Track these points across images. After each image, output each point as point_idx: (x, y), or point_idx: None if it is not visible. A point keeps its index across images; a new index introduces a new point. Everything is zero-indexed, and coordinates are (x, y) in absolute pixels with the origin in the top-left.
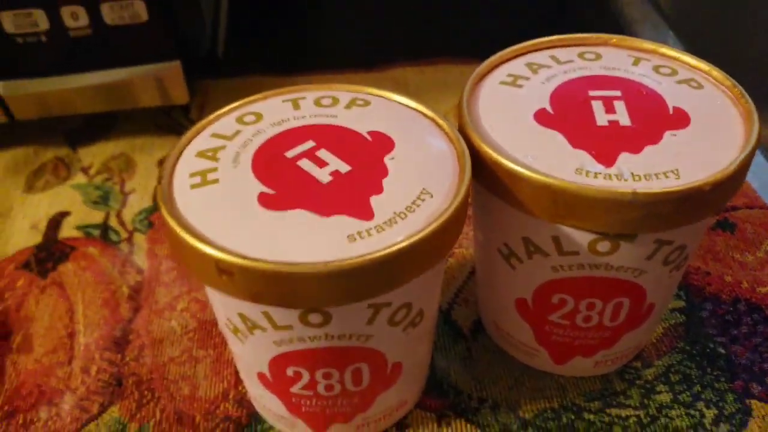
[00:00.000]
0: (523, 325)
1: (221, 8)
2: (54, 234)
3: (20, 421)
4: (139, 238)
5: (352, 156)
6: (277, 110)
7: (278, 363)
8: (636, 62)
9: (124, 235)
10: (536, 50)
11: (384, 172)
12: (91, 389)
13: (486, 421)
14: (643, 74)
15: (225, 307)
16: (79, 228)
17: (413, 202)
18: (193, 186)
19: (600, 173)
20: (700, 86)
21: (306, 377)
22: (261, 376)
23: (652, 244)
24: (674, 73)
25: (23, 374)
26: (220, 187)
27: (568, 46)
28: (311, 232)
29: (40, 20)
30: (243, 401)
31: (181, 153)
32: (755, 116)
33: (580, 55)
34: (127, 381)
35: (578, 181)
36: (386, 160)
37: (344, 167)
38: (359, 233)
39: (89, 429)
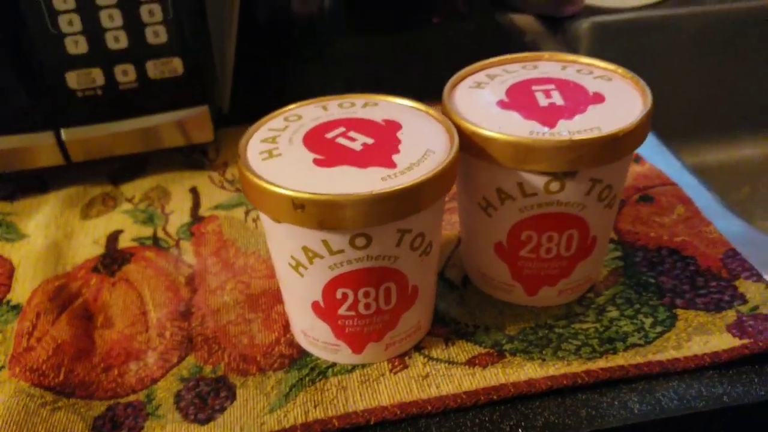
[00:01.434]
0: (501, 265)
1: (227, 70)
2: (114, 245)
3: (116, 373)
4: (185, 244)
5: (373, 134)
6: (312, 112)
7: (330, 287)
8: (564, 68)
9: (171, 243)
10: (491, 66)
11: (398, 141)
12: (168, 347)
13: (481, 339)
14: (569, 75)
15: (292, 243)
16: (134, 240)
17: (422, 156)
18: (263, 159)
19: (546, 132)
20: (610, 79)
21: (351, 298)
22: (315, 305)
23: (588, 182)
24: (591, 72)
25: (110, 342)
26: (283, 158)
27: (514, 62)
28: (355, 178)
29: (98, 78)
30: (293, 343)
31: (248, 141)
32: (649, 93)
33: (523, 67)
34: (197, 339)
35: (532, 137)
36: (398, 134)
37: (369, 140)
38: (389, 176)
39: (173, 372)
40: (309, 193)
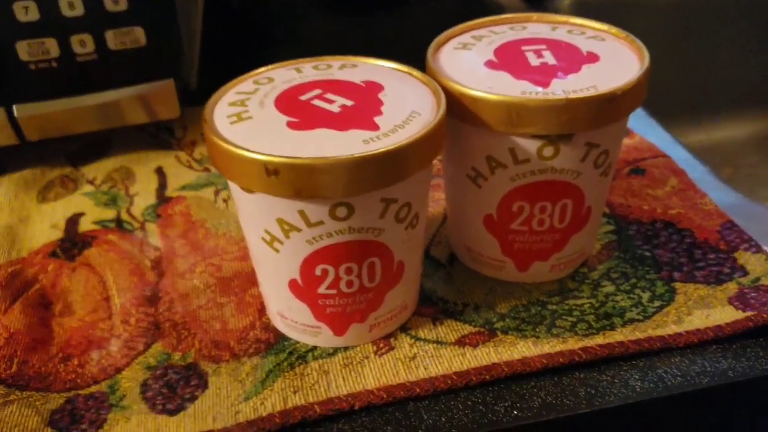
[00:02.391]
0: (490, 240)
1: (194, 43)
2: (74, 229)
3: (76, 363)
4: (151, 226)
5: (353, 95)
6: (285, 74)
7: (309, 263)
8: (554, 29)
9: (136, 225)
10: (477, 28)
11: (380, 103)
12: (133, 334)
13: (471, 318)
14: (560, 35)
15: (266, 215)
16: (95, 223)
17: (407, 118)
18: (232, 123)
19: (540, 92)
20: (603, 39)
21: (331, 275)
22: (292, 284)
23: (583, 147)
24: (583, 33)
25: (69, 331)
26: (254, 121)
27: (501, 23)
28: (334, 141)
29: (52, 48)
30: (269, 327)
31: (214, 105)
32: (646, 52)
33: (511, 28)
34: (164, 325)
35: (525, 96)
36: (380, 96)
37: (349, 102)
38: (371, 139)
39: (139, 361)
40: (283, 157)
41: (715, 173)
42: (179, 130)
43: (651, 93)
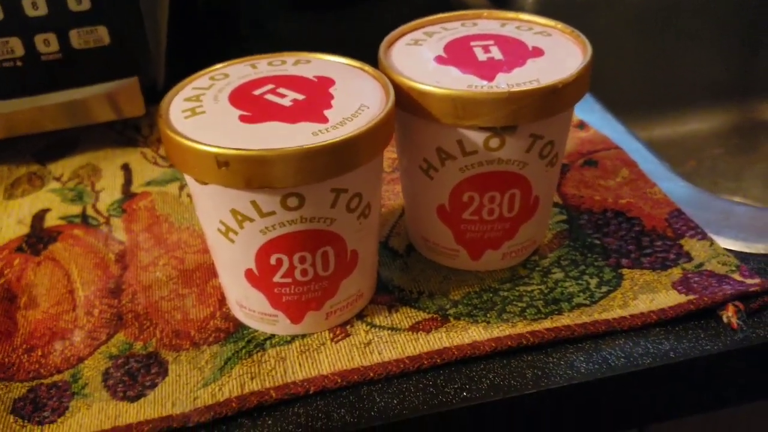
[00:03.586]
0: (444, 230)
1: (160, 41)
2: (40, 224)
3: (39, 353)
4: (116, 221)
5: (304, 90)
6: (240, 70)
7: (263, 252)
8: (503, 25)
9: (102, 220)
10: (430, 24)
11: (330, 97)
12: (96, 325)
13: (425, 305)
14: (508, 31)
15: (220, 206)
16: (61, 218)
17: (356, 111)
18: (186, 117)
19: (484, 85)
20: (550, 35)
21: (286, 264)
22: (248, 273)
23: (528, 138)
24: (531, 29)
25: (33, 323)
26: (207, 115)
27: (453, 20)
28: (284, 133)
29: (16, 48)
30: (228, 317)
31: (171, 101)
32: (589, 47)
33: (462, 24)
34: (127, 316)
35: (470, 90)
36: (331, 90)
37: (300, 96)
38: (320, 131)
39: (101, 351)
40: (234, 149)
41: (668, 164)
42: (146, 128)
43: (614, 89)
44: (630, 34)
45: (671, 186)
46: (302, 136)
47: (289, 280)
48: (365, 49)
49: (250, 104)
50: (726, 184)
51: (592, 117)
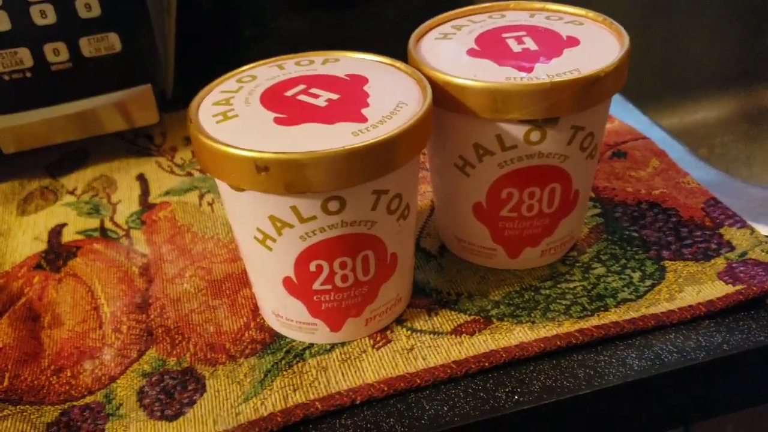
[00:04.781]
0: (480, 228)
1: (169, 51)
2: (57, 240)
3: (69, 374)
4: (136, 233)
5: (338, 89)
6: (267, 72)
7: (303, 259)
8: (532, 15)
9: (121, 233)
10: (456, 18)
11: (366, 95)
12: (126, 342)
13: (465, 307)
14: (539, 21)
15: (257, 213)
16: (79, 233)
17: (395, 109)
18: (218, 121)
19: (524, 77)
20: (582, 24)
21: (326, 270)
22: (287, 281)
23: (570, 130)
24: (561, 18)
25: (60, 342)
26: (240, 119)
27: (480, 13)
28: (322, 135)
29: (25, 58)
30: (264, 327)
31: (198, 105)
32: (625, 34)
33: (490, 16)
34: (157, 331)
35: (510, 82)
36: (365, 88)
37: (334, 96)
38: (360, 131)
39: (134, 369)
40: (273, 153)
41: (693, 153)
42: (158, 137)
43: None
44: (634, 22)
45: (702, 174)
46: (342, 136)
47: (329, 286)
48: (375, 46)
49: (283, 106)
50: (739, 170)
51: (613, 107)
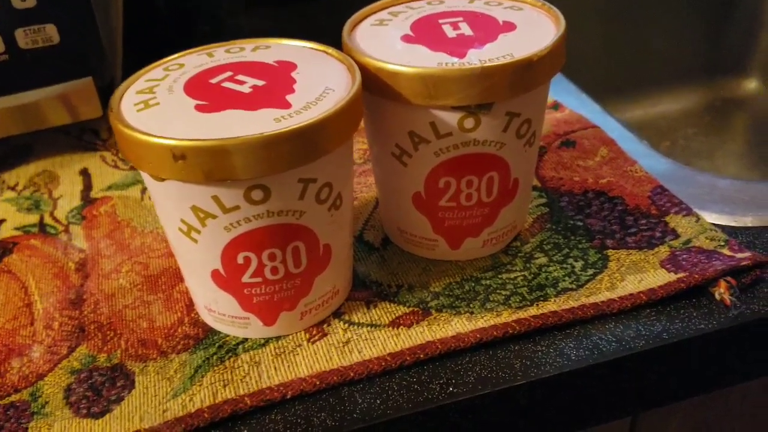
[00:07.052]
0: (421, 219)
1: (116, 40)
2: None
3: None
4: (75, 229)
5: (264, 76)
6: (196, 60)
7: (229, 251)
8: (471, 1)
9: (60, 228)
10: (394, 4)
11: (293, 81)
12: (56, 339)
13: (405, 299)
14: (477, 7)
15: (180, 203)
16: (17, 229)
17: (320, 95)
18: (138, 110)
19: (456, 63)
20: (520, 9)
21: (254, 262)
22: (215, 275)
23: (504, 116)
24: (500, 4)
25: None
26: (161, 107)
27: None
28: (244, 121)
29: None
30: (198, 322)
31: (122, 94)
32: (562, 19)
33: (428, 3)
34: (89, 327)
35: (441, 67)
36: (293, 74)
37: (260, 83)
38: (283, 117)
39: (62, 366)
40: (189, 140)
41: (648, 144)
42: (104, 131)
43: (583, 72)
44: (596, 15)
45: (652, 163)
46: (263, 123)
47: (259, 279)
48: (329, 41)
49: (206, 93)
50: (700, 163)
51: (567, 98)
